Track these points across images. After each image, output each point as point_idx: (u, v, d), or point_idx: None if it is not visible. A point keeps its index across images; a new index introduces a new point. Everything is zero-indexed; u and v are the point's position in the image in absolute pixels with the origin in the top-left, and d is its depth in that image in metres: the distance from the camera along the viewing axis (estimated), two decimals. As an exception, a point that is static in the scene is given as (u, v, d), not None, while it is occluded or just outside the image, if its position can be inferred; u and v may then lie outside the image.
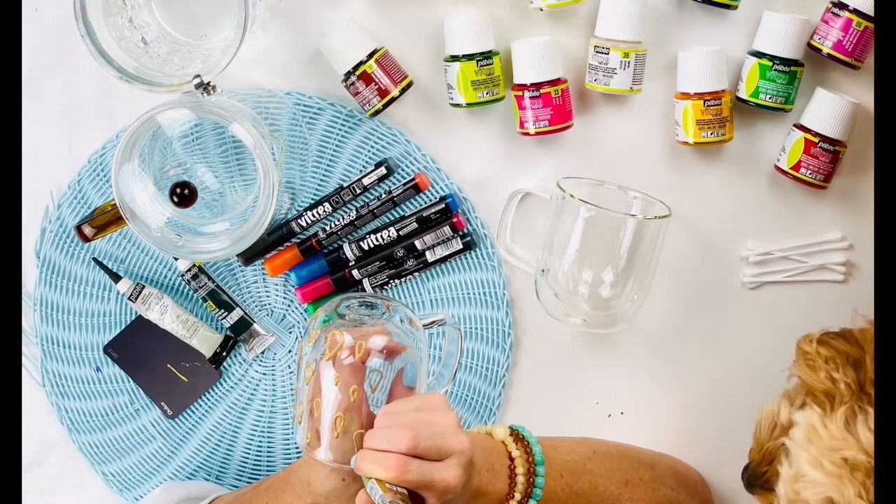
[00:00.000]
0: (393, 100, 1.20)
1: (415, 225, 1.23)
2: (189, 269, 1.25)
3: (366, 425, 1.03)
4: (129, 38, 1.14)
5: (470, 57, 1.17)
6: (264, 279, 1.27)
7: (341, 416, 1.03)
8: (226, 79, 1.15)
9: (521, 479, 1.05)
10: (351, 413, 1.03)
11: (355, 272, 1.24)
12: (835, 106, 1.16)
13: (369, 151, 1.23)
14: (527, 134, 1.19)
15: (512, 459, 1.06)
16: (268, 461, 1.29)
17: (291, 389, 1.28)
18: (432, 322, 1.12)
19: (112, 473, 1.30)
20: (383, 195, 1.23)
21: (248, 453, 1.29)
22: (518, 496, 1.05)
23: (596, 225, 1.16)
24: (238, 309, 1.26)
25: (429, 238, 1.23)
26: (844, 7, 1.14)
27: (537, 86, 1.17)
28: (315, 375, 1.04)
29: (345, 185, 1.23)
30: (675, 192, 1.21)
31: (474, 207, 1.24)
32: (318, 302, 1.26)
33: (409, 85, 1.20)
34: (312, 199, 1.24)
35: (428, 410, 1.02)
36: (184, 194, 1.13)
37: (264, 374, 1.28)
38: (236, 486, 1.29)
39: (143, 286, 1.25)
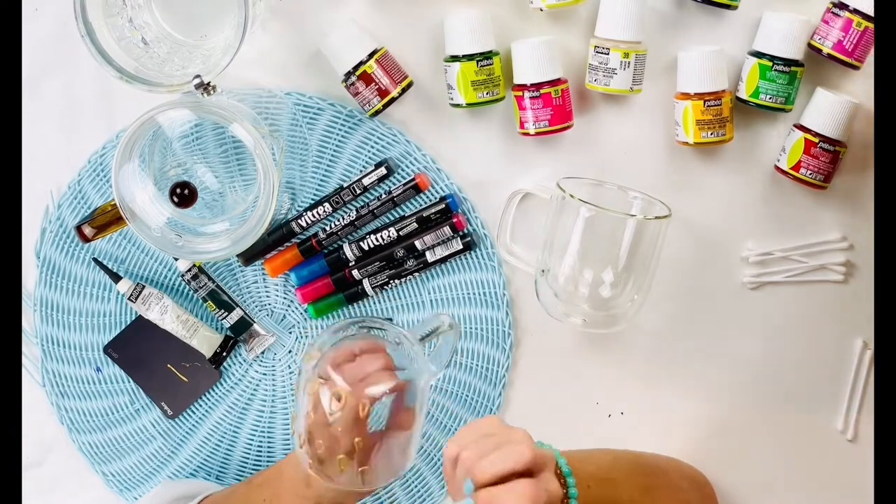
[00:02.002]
0: (393, 100, 1.20)
1: (415, 225, 1.23)
2: (189, 270, 1.25)
3: (367, 448, 1.06)
4: (129, 38, 1.14)
5: (470, 57, 1.17)
6: (264, 279, 1.27)
7: (343, 459, 1.05)
8: (226, 79, 1.15)
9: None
10: (352, 456, 1.06)
11: (355, 272, 1.24)
12: (835, 106, 1.16)
13: (369, 151, 1.23)
14: (527, 134, 1.19)
15: None
16: (268, 461, 1.29)
17: (291, 390, 1.28)
18: (429, 334, 1.12)
19: (112, 473, 1.30)
20: (383, 195, 1.23)
21: (248, 453, 1.29)
22: None
23: (596, 225, 1.16)
24: (238, 309, 1.26)
25: (429, 238, 1.23)
26: (844, 7, 1.14)
27: (537, 86, 1.17)
28: (318, 413, 1.06)
29: (345, 185, 1.23)
30: (675, 192, 1.21)
31: (474, 207, 1.24)
32: (318, 302, 1.25)
33: (409, 85, 1.20)
34: (312, 199, 1.24)
35: (497, 434, 0.99)
36: (184, 194, 1.13)
37: (264, 374, 1.28)
38: (236, 486, 1.29)
39: (143, 286, 1.25)
